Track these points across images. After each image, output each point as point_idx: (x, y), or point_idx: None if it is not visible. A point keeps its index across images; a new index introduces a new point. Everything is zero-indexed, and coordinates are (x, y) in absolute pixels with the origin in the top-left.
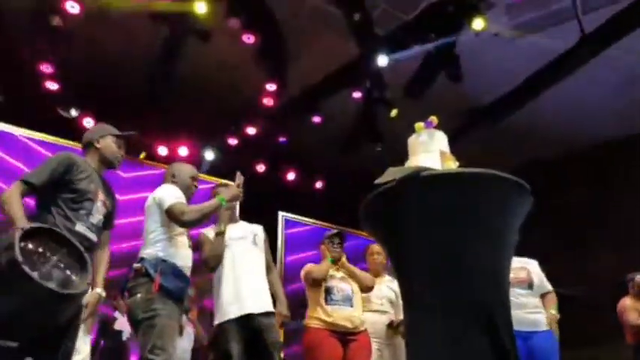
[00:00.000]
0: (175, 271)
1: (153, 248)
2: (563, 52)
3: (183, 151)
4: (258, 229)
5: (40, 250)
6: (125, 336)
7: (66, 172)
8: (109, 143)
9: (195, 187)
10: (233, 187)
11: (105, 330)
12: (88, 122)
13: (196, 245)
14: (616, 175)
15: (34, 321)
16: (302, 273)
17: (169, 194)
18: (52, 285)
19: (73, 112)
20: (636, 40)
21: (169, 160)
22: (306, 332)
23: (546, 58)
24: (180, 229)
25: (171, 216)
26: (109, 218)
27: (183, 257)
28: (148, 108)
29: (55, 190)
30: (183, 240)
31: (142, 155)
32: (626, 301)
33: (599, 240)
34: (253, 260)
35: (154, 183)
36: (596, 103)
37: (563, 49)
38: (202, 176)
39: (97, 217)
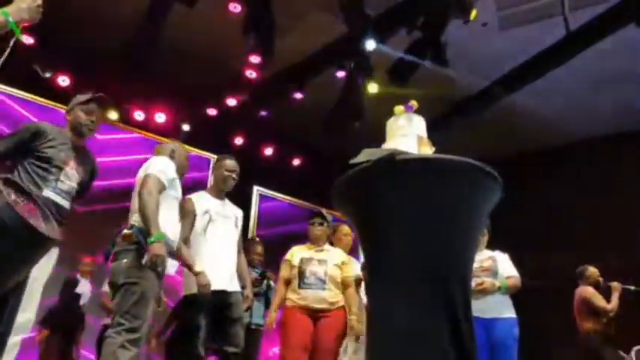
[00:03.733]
0: (165, 245)
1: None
2: (547, 47)
3: (160, 117)
4: (239, 213)
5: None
6: (83, 300)
7: (32, 139)
8: (76, 113)
9: (187, 169)
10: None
11: (66, 291)
12: (64, 80)
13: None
14: (589, 172)
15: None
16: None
17: (161, 165)
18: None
19: (47, 74)
20: (621, 39)
21: (145, 125)
22: (283, 310)
23: (531, 51)
24: (173, 199)
25: (144, 182)
26: (83, 188)
27: (174, 231)
28: (128, 72)
29: (24, 157)
30: (174, 214)
31: (116, 117)
32: (589, 289)
33: (562, 237)
34: (232, 241)
35: (128, 147)
36: (575, 100)
37: (549, 43)
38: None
39: (68, 184)
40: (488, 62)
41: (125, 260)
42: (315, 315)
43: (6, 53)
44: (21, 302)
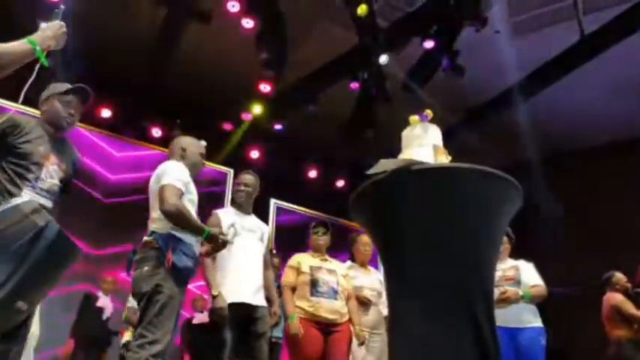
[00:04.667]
0: (187, 250)
1: (162, 222)
2: (561, 52)
3: (177, 134)
4: (265, 228)
5: None
6: (105, 315)
7: (6, 134)
8: (53, 104)
9: (203, 163)
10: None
11: (87, 306)
12: None
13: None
14: (613, 176)
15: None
16: (283, 282)
17: (173, 171)
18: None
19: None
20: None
21: (163, 141)
22: (289, 321)
23: (545, 57)
24: (190, 202)
25: (161, 194)
26: (67, 184)
27: (192, 237)
28: (144, 88)
29: None
30: (193, 214)
31: (136, 136)
32: (618, 296)
33: (587, 243)
34: (258, 255)
35: (147, 164)
36: (590, 105)
37: (563, 48)
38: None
39: (50, 182)
40: (502, 69)
41: (146, 268)
42: (326, 328)
43: (30, 80)
44: (33, 315)
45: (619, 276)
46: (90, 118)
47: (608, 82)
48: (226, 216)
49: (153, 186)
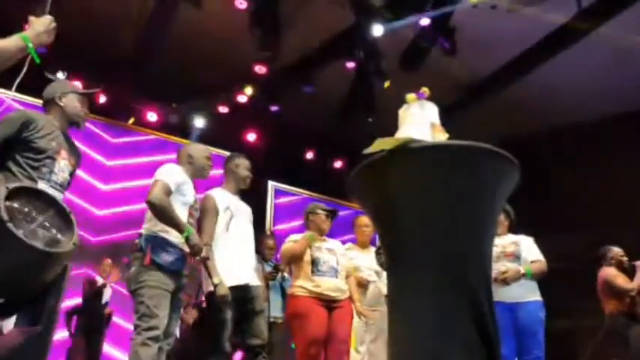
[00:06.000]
0: (167, 246)
1: (150, 223)
2: (558, 27)
3: (172, 118)
4: (250, 208)
5: (26, 209)
6: (105, 299)
7: (22, 129)
8: (71, 100)
9: (210, 166)
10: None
11: (86, 291)
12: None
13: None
14: (609, 152)
15: (19, 279)
16: (283, 249)
17: (168, 172)
18: (37, 244)
19: (60, 75)
20: (630, 18)
21: (159, 125)
22: (293, 300)
23: (542, 32)
24: (182, 204)
25: (150, 190)
26: (71, 177)
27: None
28: (138, 72)
29: (14, 150)
30: (182, 215)
31: (131, 121)
32: (610, 270)
33: (585, 218)
34: (251, 236)
35: (143, 148)
36: (593, 78)
37: (560, 23)
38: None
39: (62, 176)
40: (499, 45)
41: (133, 268)
42: (329, 305)
43: (23, 71)
44: (60, 301)
45: (615, 250)
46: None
47: (597, 59)
48: (221, 198)
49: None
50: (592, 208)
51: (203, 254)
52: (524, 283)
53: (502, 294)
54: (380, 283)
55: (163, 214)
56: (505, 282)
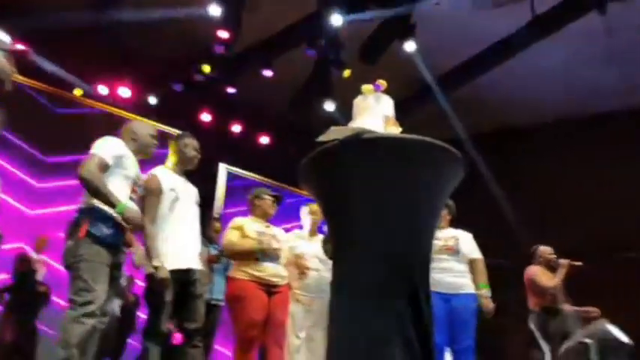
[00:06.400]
0: (105, 219)
1: (88, 196)
2: (514, 31)
3: (125, 92)
4: (196, 190)
5: None
6: (40, 276)
7: None
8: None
9: (155, 145)
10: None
11: (20, 267)
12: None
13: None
14: (555, 151)
15: None
16: (224, 242)
17: (105, 145)
18: None
19: (4, 37)
20: (585, 24)
21: (109, 99)
22: (234, 282)
23: (500, 33)
24: (123, 178)
25: (82, 163)
26: None
27: None
28: (92, 44)
29: None
30: (123, 194)
31: (79, 92)
32: (534, 268)
33: (526, 215)
34: (196, 219)
35: (90, 122)
36: (536, 85)
37: (516, 26)
38: (146, 121)
39: None
40: (459, 42)
41: (70, 242)
42: (269, 289)
43: None
44: None
45: (542, 249)
46: (30, 71)
47: (555, 62)
48: (166, 178)
49: None
50: (541, 206)
51: (137, 223)
52: (460, 275)
53: (438, 284)
54: (324, 272)
55: (93, 189)
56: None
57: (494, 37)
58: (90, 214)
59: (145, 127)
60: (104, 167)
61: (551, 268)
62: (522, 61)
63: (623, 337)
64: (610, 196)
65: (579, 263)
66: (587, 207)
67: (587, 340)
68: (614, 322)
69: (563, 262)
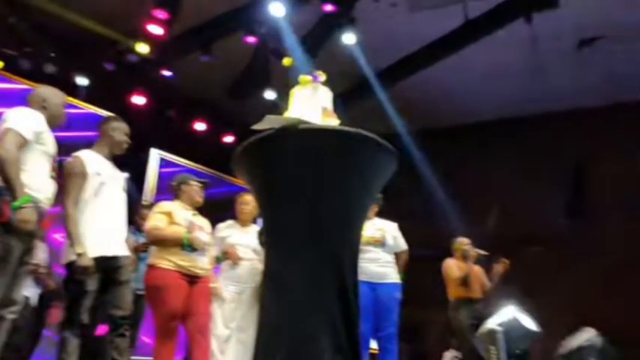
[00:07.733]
0: (35, 208)
1: None
2: (448, 32)
3: (50, 68)
4: (125, 175)
5: None
6: None
7: None
8: None
9: (65, 117)
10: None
11: None
12: None
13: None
14: (474, 152)
15: None
16: (148, 226)
17: (23, 118)
18: None
19: None
20: (515, 30)
21: (33, 76)
22: (154, 270)
23: (436, 34)
24: (42, 154)
25: (0, 138)
26: None
27: (45, 190)
28: (14, 16)
29: None
30: (44, 171)
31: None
32: (449, 261)
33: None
34: (123, 204)
35: (12, 98)
36: (466, 87)
37: (450, 28)
38: (78, 103)
39: None
40: (395, 42)
41: None
42: (192, 279)
43: None
44: None
45: (459, 240)
46: None
47: (483, 67)
48: (92, 161)
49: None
50: (466, 201)
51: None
52: (386, 266)
53: (365, 273)
54: (257, 263)
55: (6, 176)
56: None
57: (424, 39)
58: (6, 195)
59: (56, 94)
60: (23, 144)
61: (465, 258)
62: (449, 64)
63: (530, 324)
64: (521, 193)
65: (485, 252)
66: (501, 203)
67: (497, 328)
68: (522, 306)
69: (471, 253)
